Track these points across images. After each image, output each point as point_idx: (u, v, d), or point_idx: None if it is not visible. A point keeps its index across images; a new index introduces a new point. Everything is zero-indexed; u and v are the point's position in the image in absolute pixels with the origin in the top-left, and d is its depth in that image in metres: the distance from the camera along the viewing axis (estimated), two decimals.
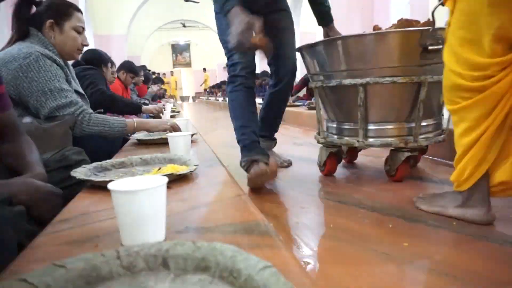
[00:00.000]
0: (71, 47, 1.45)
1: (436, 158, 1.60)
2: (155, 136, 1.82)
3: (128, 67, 3.69)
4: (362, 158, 1.72)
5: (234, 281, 0.43)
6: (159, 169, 1.03)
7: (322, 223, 0.96)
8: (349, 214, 0.98)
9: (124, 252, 0.47)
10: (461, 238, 0.80)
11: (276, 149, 1.65)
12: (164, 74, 16.30)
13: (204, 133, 3.00)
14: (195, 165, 1.07)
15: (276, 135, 1.65)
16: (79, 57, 1.58)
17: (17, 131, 0.98)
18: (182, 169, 1.03)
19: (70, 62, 1.64)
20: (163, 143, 1.65)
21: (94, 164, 1.08)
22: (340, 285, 0.62)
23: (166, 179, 0.60)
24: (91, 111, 1.43)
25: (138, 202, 0.56)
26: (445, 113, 1.86)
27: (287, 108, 3.73)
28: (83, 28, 1.49)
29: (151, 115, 2.87)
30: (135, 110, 2.69)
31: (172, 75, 16.91)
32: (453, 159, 0.87)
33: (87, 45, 1.53)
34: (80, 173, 0.97)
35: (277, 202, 1.11)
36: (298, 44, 1.44)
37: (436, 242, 0.79)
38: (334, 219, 0.98)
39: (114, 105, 2.55)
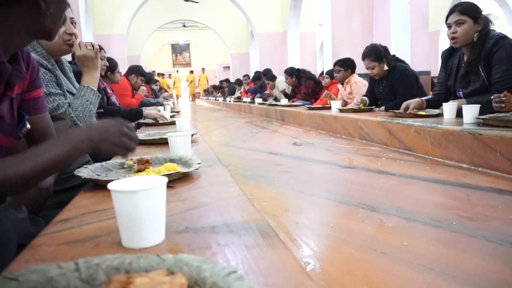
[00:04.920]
0: (56, 40, 1.40)
1: (436, 158, 1.60)
2: (155, 136, 1.82)
3: (138, 71, 4.07)
4: (362, 158, 1.72)
5: None
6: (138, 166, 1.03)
7: (322, 223, 0.96)
8: (349, 213, 0.98)
9: (83, 264, 0.45)
10: (461, 238, 0.80)
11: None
12: (169, 74, 16.34)
13: (204, 133, 3.00)
14: (198, 163, 1.07)
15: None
16: (72, 49, 1.49)
17: (49, 135, 1.00)
18: (179, 168, 1.03)
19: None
20: (163, 143, 1.66)
21: (96, 164, 1.09)
22: (340, 285, 0.62)
23: (166, 179, 0.60)
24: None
25: (138, 202, 0.56)
26: (445, 110, 1.87)
27: (287, 108, 3.76)
28: (67, 17, 1.39)
29: (153, 121, 2.70)
30: (136, 116, 2.67)
31: (177, 72, 16.98)
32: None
33: (72, 33, 1.44)
34: (83, 173, 0.98)
35: (277, 202, 1.11)
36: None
37: (436, 242, 0.79)
38: (334, 218, 0.98)
39: (115, 117, 2.56)
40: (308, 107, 3.47)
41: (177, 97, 15.43)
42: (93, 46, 1.51)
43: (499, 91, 1.77)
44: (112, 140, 0.80)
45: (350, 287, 0.61)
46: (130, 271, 0.44)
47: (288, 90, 5.30)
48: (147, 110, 2.69)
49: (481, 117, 1.55)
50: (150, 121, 2.68)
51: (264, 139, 2.53)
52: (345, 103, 3.51)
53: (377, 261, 0.70)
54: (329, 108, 3.04)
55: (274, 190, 1.22)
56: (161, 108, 3.34)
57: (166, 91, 8.50)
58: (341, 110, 2.76)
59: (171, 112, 3.63)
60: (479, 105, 1.65)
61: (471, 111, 1.63)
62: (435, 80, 2.51)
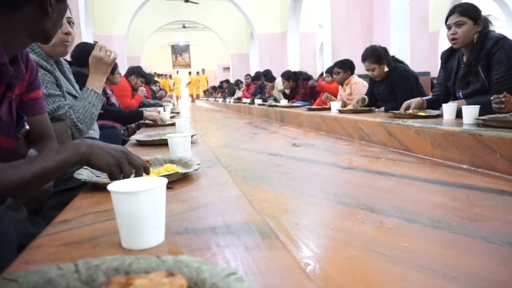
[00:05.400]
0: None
1: (436, 159, 1.60)
2: (155, 137, 1.82)
3: (138, 72, 4.14)
4: (361, 158, 1.72)
5: None
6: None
7: (322, 223, 0.96)
8: (349, 214, 0.98)
9: (83, 265, 0.45)
10: (461, 238, 0.80)
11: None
12: (170, 75, 16.36)
13: (203, 133, 3.00)
14: (198, 164, 1.07)
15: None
16: (68, 50, 1.47)
17: (47, 136, 1.00)
18: (178, 169, 1.03)
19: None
20: (163, 144, 1.65)
21: None
22: (340, 286, 0.62)
23: (165, 180, 0.60)
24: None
25: (137, 203, 0.56)
26: (445, 111, 1.87)
27: (286, 109, 3.76)
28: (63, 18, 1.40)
29: (151, 122, 2.70)
30: (137, 117, 2.67)
31: (177, 73, 17.01)
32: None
33: (68, 32, 1.43)
34: (83, 175, 0.98)
35: (277, 203, 1.11)
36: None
37: (436, 243, 0.79)
38: (334, 219, 0.98)
39: (115, 118, 2.56)
40: (308, 108, 3.48)
41: (177, 98, 15.45)
42: (111, 54, 1.52)
43: (498, 91, 1.77)
44: (108, 155, 0.76)
45: (350, 287, 0.61)
46: (129, 272, 0.44)
47: (287, 91, 5.32)
48: (147, 112, 2.70)
49: (480, 118, 1.55)
50: (150, 121, 2.70)
51: (264, 140, 2.53)
52: (344, 104, 3.51)
53: (377, 262, 0.70)
54: (329, 109, 3.04)
55: (274, 191, 1.22)
56: (160, 109, 3.34)
57: (166, 91, 8.50)
58: (340, 111, 2.76)
59: (171, 113, 3.63)
60: (479, 106, 1.65)
61: (470, 112, 1.63)
62: (435, 81, 2.51)
